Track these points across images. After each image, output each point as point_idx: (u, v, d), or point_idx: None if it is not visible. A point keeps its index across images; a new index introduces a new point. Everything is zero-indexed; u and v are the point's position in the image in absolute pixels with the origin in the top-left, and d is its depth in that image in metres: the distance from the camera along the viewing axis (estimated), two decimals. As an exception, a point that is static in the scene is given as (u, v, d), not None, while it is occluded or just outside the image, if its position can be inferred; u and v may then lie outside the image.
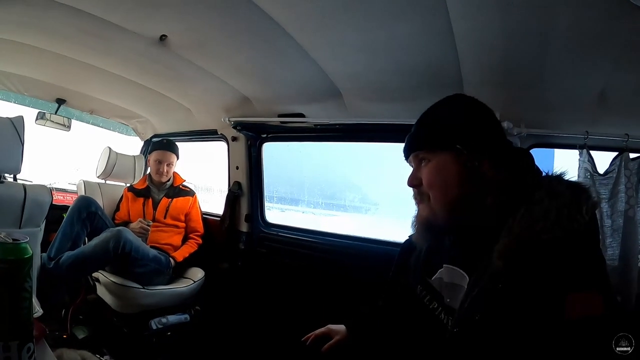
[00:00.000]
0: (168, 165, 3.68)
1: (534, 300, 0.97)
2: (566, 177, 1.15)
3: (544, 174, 1.19)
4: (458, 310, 1.18)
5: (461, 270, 1.26)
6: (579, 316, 0.94)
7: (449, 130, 1.22)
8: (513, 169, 1.18)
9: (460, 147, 1.19)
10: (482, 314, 1.06)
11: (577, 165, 2.17)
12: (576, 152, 2.17)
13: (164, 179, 3.69)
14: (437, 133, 1.24)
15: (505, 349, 0.99)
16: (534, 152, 2.33)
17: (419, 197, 1.30)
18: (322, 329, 1.74)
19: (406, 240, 1.63)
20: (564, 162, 2.16)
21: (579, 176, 2.15)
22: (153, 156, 3.70)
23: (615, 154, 2.14)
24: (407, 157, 1.35)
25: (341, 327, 1.72)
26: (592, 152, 2.15)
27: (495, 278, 1.04)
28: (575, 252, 0.99)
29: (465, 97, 1.32)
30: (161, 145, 3.74)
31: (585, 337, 0.94)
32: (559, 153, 2.40)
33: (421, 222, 1.31)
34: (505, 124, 2.11)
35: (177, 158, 3.77)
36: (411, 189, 1.33)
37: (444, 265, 1.33)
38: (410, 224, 1.38)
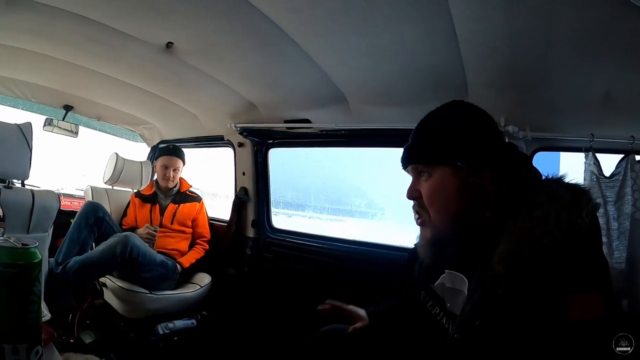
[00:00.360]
0: (174, 170, 3.69)
1: (535, 305, 0.97)
2: (566, 180, 1.15)
3: (544, 177, 1.19)
4: (459, 315, 1.18)
5: (462, 276, 1.26)
6: (580, 318, 0.93)
7: (448, 146, 1.20)
8: (513, 178, 1.17)
9: (460, 163, 1.18)
10: (482, 319, 1.05)
11: (583, 168, 2.15)
12: (582, 155, 2.17)
13: (171, 185, 3.71)
14: (436, 148, 1.22)
15: (506, 355, 0.99)
16: (539, 155, 2.32)
17: (420, 212, 1.29)
18: (348, 307, 1.71)
19: (413, 247, 1.64)
20: (570, 165, 2.16)
21: (585, 179, 2.13)
22: (159, 162, 3.71)
23: (621, 156, 2.13)
24: (404, 168, 1.33)
25: (363, 312, 1.69)
26: (598, 155, 2.14)
27: (495, 283, 1.04)
28: (575, 254, 0.99)
29: (463, 106, 1.30)
30: (167, 151, 3.76)
31: (586, 340, 0.94)
32: (564, 156, 2.40)
33: (425, 242, 1.30)
34: (510, 128, 2.11)
35: (184, 163, 3.78)
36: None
37: (446, 270, 1.34)
38: (417, 236, 1.37)
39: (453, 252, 1.31)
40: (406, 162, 1.31)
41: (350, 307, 1.72)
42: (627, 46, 1.64)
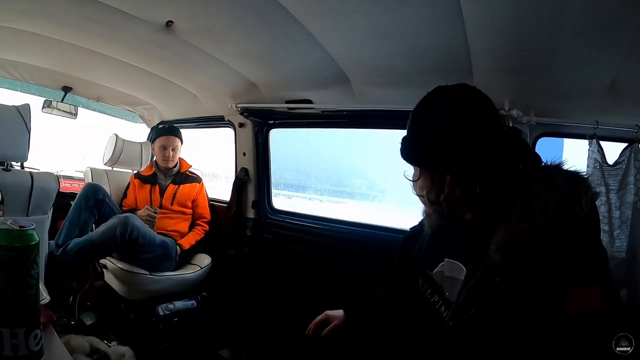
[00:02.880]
0: (173, 150, 3.67)
1: (531, 294, 0.96)
2: (565, 167, 1.13)
3: (543, 162, 1.17)
4: (455, 303, 1.18)
5: (461, 264, 1.26)
6: (577, 312, 0.93)
7: (442, 156, 1.16)
8: (508, 177, 1.12)
9: (452, 174, 1.15)
10: (477, 307, 1.06)
11: (587, 155, 2.14)
12: (585, 142, 2.15)
13: (171, 165, 3.69)
14: (430, 155, 1.19)
15: (500, 343, 0.99)
16: (543, 141, 2.31)
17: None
18: (320, 316, 1.75)
19: (408, 231, 1.64)
20: (573, 152, 2.14)
21: (588, 166, 2.12)
22: (157, 143, 3.70)
23: (625, 144, 2.12)
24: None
25: (339, 312, 1.72)
26: (602, 142, 2.12)
27: (491, 271, 1.04)
28: (573, 246, 0.98)
29: (455, 105, 1.19)
30: (164, 131, 3.74)
31: (582, 333, 0.93)
32: (568, 142, 2.38)
33: (428, 212, 1.30)
34: (514, 112, 2.08)
35: (181, 142, 3.77)
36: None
37: (445, 259, 1.33)
38: (421, 211, 1.36)
39: (452, 238, 1.33)
40: (402, 155, 1.29)
41: (322, 315, 1.75)
42: (636, 35, 1.62)
